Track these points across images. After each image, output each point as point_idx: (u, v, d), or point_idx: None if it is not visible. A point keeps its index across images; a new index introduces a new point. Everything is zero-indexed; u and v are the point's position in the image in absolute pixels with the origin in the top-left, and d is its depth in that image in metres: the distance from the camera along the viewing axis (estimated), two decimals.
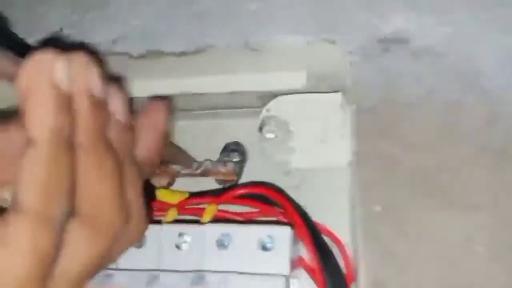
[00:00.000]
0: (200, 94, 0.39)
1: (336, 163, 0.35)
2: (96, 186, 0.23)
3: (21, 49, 0.25)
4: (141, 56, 0.35)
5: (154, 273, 0.34)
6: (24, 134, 0.20)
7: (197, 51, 0.33)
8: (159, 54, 0.34)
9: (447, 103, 0.28)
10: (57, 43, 0.36)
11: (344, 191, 0.39)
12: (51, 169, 0.20)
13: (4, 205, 0.24)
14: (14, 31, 0.37)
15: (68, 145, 0.21)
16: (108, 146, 0.24)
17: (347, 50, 0.31)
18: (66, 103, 0.21)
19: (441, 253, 0.26)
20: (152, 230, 0.37)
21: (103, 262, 0.24)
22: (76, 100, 0.22)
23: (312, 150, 0.36)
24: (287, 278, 0.33)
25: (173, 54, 0.34)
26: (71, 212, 0.23)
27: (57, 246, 0.21)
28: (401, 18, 0.30)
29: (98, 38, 0.35)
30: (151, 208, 0.43)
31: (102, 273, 0.34)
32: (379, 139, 0.29)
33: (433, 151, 0.28)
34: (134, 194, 0.26)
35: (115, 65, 0.36)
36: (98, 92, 0.22)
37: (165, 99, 0.31)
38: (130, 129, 0.26)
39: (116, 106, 0.24)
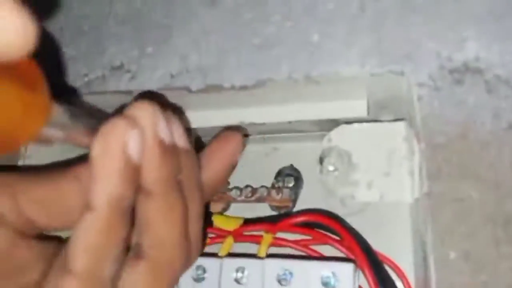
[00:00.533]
0: (259, 124, 0.38)
1: (402, 199, 0.33)
2: (165, 231, 0.23)
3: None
4: (200, 91, 0.35)
5: None
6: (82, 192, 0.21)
7: (257, 85, 0.32)
8: (218, 88, 0.33)
9: None
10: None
11: (408, 227, 0.38)
12: (104, 237, 0.21)
13: None
14: (73, 67, 0.38)
15: (125, 215, 0.22)
16: (178, 190, 0.24)
17: (415, 82, 0.29)
18: (133, 174, 0.21)
19: None
20: (212, 263, 0.36)
21: None
22: (147, 150, 0.22)
23: (376, 184, 0.34)
24: None
25: (233, 88, 0.33)
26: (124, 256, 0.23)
27: None
28: (475, 46, 0.28)
29: (157, 73, 0.35)
30: (206, 235, 0.43)
31: None
32: (453, 181, 0.27)
33: None
34: (196, 228, 0.26)
35: (174, 99, 0.36)
36: (167, 138, 0.23)
37: (240, 130, 0.31)
38: (192, 155, 0.26)
39: (177, 134, 0.24)
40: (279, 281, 0.34)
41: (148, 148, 0.22)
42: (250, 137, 0.45)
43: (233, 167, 0.30)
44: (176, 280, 0.26)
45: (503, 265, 0.25)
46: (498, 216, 0.26)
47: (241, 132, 0.33)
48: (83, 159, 0.23)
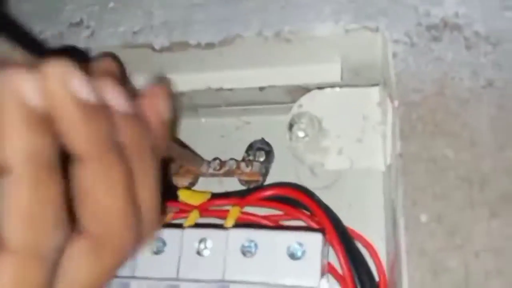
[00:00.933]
0: (227, 89, 0.36)
1: (374, 166, 0.32)
2: (104, 199, 0.20)
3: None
4: (165, 49, 0.32)
5: (173, 283, 0.31)
6: None
7: (225, 42, 0.30)
8: (184, 46, 0.31)
9: (508, 97, 0.25)
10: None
11: (379, 194, 0.36)
12: (33, 197, 0.18)
13: None
14: (29, 23, 0.35)
15: (52, 168, 0.18)
16: (115, 153, 0.21)
17: (390, 39, 0.28)
18: (41, 122, 0.18)
19: (502, 270, 0.22)
20: (173, 235, 0.34)
21: (107, 279, 0.21)
22: (62, 112, 0.19)
23: (347, 150, 0.32)
24: None
25: (199, 45, 0.31)
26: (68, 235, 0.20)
27: (51, 281, 0.19)
28: (455, 1, 0.27)
29: (119, 30, 0.33)
30: (166, 205, 0.40)
31: (118, 281, 0.32)
32: (428, 139, 0.26)
33: (490, 153, 0.25)
34: (149, 196, 0.23)
35: (137, 59, 0.34)
36: (85, 95, 0.19)
37: (164, 84, 0.27)
38: (135, 118, 0.23)
39: (112, 97, 0.21)
40: (243, 253, 0.32)
41: (62, 109, 0.19)
42: (221, 109, 0.44)
43: (166, 123, 0.26)
44: (125, 258, 0.22)
45: (478, 228, 0.24)
46: (473, 176, 0.24)
47: (165, 84, 0.29)
48: None
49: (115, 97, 0.21)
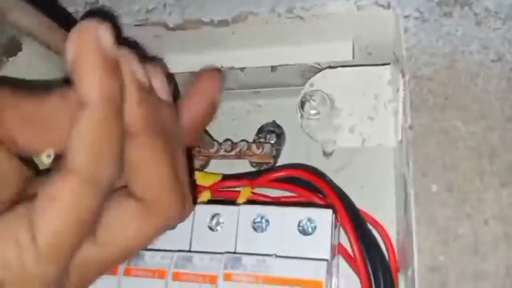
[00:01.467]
0: (239, 69, 0.37)
1: (385, 143, 0.32)
2: (154, 170, 0.23)
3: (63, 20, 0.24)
4: (178, 27, 0.33)
5: (186, 254, 0.32)
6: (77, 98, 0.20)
7: (238, 19, 0.31)
8: (197, 23, 0.32)
9: None
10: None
11: (391, 174, 0.37)
12: (102, 132, 0.20)
13: (43, 167, 0.25)
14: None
15: (118, 110, 0.21)
16: (160, 129, 0.23)
17: (402, 15, 0.28)
18: (114, 68, 0.21)
19: (510, 237, 0.23)
20: None
21: (147, 244, 0.24)
22: (126, 88, 0.21)
23: (359, 128, 0.33)
24: (329, 263, 0.30)
25: (212, 23, 0.31)
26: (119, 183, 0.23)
27: (99, 210, 0.21)
28: None
29: (133, 8, 0.33)
30: (194, 187, 0.41)
31: None
32: (438, 112, 0.26)
33: (499, 125, 0.25)
34: (183, 174, 0.25)
35: (150, 36, 0.35)
36: (143, 79, 0.22)
37: (217, 70, 0.30)
38: (172, 106, 0.25)
39: (157, 86, 0.24)
40: (254, 228, 0.33)
41: (126, 86, 0.21)
42: (233, 92, 0.44)
43: (213, 107, 0.29)
44: (167, 227, 0.25)
45: (488, 197, 0.24)
46: (483, 148, 0.25)
47: (218, 71, 0.32)
48: (68, 83, 0.22)
49: (160, 85, 0.24)
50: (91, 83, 0.20)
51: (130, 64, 0.22)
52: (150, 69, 0.24)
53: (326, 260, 0.30)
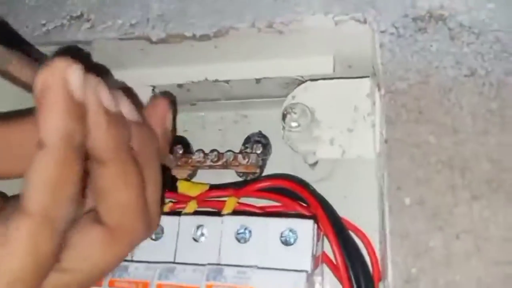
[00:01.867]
0: (223, 81, 0.37)
1: (365, 154, 0.33)
2: (121, 196, 0.23)
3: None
4: (161, 40, 0.33)
5: (169, 265, 0.32)
6: (37, 135, 0.20)
7: (219, 33, 0.31)
8: (180, 37, 0.32)
9: (489, 85, 0.25)
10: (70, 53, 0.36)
11: (373, 184, 0.37)
12: (59, 173, 0.20)
13: None
14: (33, 16, 0.37)
15: (78, 152, 0.21)
16: (130, 153, 0.24)
17: (378, 30, 0.28)
18: (78, 111, 0.21)
19: (482, 250, 0.23)
20: (170, 222, 0.35)
21: (116, 266, 0.25)
22: (92, 117, 0.22)
23: (339, 140, 0.33)
24: (310, 274, 0.30)
25: (194, 37, 0.32)
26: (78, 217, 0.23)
27: (57, 251, 0.21)
28: None
29: (117, 22, 0.34)
30: (164, 199, 0.41)
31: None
32: (412, 126, 0.26)
33: (471, 139, 0.26)
34: (156, 196, 0.26)
35: (134, 50, 0.35)
36: (112, 108, 0.22)
37: (167, 96, 0.30)
38: (144, 126, 0.26)
39: (125, 110, 0.24)
40: (238, 239, 0.33)
41: (92, 114, 0.21)
42: (219, 103, 0.45)
43: (166, 133, 0.29)
44: (134, 247, 0.25)
45: (459, 211, 0.24)
46: (455, 161, 0.25)
47: (168, 98, 0.32)
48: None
49: (127, 108, 0.24)
50: (52, 124, 0.20)
51: (96, 91, 0.22)
52: (115, 93, 0.24)
53: (306, 271, 0.30)
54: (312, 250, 0.32)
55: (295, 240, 0.32)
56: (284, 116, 0.34)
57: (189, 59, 0.36)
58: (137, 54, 0.36)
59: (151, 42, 0.34)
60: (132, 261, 0.34)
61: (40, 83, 0.20)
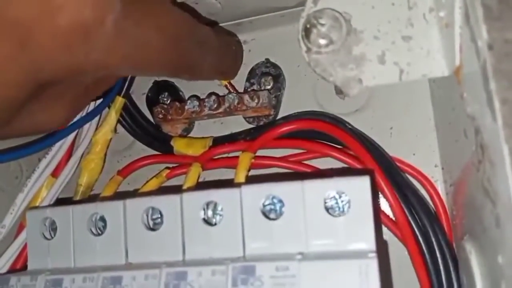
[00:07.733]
0: None
1: (432, 73, 0.22)
2: None
3: None
4: None
5: (179, 269, 0.23)
6: None
7: None
8: None
9: None
10: None
11: (429, 112, 0.28)
12: None
13: None
14: None
15: None
16: None
17: None
18: None
19: None
20: (170, 203, 0.25)
21: None
22: None
23: (392, 56, 0.23)
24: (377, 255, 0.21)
25: None
26: None
27: None
28: None
29: None
30: None
31: (110, 276, 0.24)
32: None
33: None
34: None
35: None
36: None
37: None
38: None
39: None
40: (265, 214, 0.23)
41: None
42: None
43: None
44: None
45: None
46: None
47: None
48: None
49: None
50: None
51: None
52: None
53: (373, 251, 0.21)
54: (374, 217, 0.22)
55: (346, 207, 0.23)
56: (307, 32, 0.23)
57: None
58: None
59: None
60: (126, 265, 0.24)
61: None
